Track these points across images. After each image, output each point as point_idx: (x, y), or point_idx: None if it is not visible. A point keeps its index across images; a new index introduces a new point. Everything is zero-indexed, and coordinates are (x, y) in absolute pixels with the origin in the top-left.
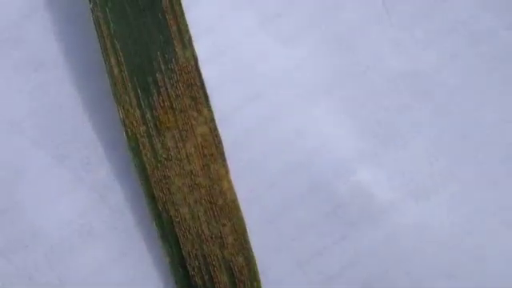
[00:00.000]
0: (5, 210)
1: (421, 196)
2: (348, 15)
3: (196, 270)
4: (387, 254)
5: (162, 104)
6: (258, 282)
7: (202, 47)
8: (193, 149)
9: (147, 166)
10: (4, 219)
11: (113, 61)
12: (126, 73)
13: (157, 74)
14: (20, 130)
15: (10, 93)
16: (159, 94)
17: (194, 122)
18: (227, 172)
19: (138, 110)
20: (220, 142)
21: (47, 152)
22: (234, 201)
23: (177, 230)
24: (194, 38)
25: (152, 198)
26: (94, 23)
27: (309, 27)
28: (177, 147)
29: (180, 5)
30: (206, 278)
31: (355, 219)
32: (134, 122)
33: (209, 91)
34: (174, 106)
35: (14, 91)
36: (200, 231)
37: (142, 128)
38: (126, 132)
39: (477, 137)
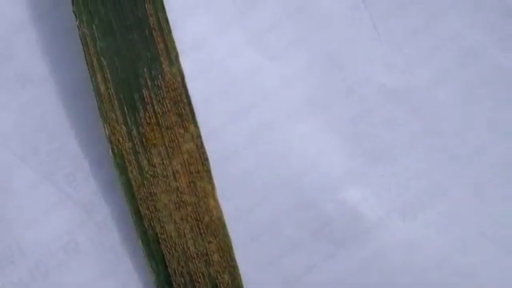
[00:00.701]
0: None
1: (409, 214)
2: (337, 32)
3: (182, 287)
4: (375, 272)
5: (148, 121)
6: None
7: (188, 64)
8: (179, 166)
9: (133, 183)
10: None
11: (99, 77)
12: (112, 90)
13: (143, 91)
14: (6, 146)
15: None
16: (146, 110)
17: (180, 139)
18: (213, 189)
19: (124, 127)
20: (206, 159)
21: (33, 168)
22: (220, 218)
23: (163, 247)
24: (180, 55)
25: (138, 215)
26: (81, 40)
27: (297, 44)
28: (163, 164)
29: (167, 22)
30: None
31: (343, 237)
32: (120, 139)
33: (195, 108)
34: (161, 122)
35: (1, 107)
36: (186, 248)
37: (128, 145)
38: (112, 149)
39: (466, 155)
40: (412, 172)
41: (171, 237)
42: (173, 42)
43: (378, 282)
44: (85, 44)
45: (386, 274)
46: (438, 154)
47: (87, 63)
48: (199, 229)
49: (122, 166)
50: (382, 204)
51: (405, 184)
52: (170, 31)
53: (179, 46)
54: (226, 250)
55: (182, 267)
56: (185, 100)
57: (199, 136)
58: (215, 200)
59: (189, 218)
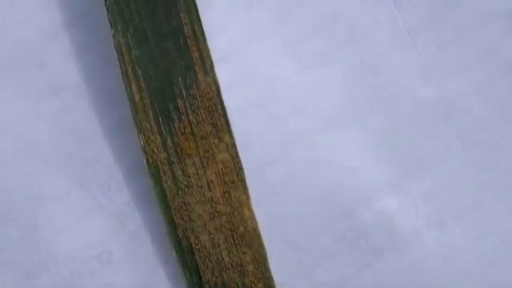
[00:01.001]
0: (27, 233)
1: (445, 225)
2: (373, 42)
3: None
4: (411, 282)
5: (183, 131)
6: None
7: (223, 73)
8: (214, 176)
9: (168, 192)
10: (27, 243)
11: (134, 87)
12: (147, 99)
13: (178, 100)
14: (40, 155)
15: (30, 117)
16: (180, 120)
17: (215, 149)
18: (248, 199)
19: (158, 137)
20: (241, 169)
21: (67, 177)
22: (255, 228)
23: (197, 257)
24: (215, 64)
25: (172, 225)
26: (116, 49)
27: (333, 54)
28: (197, 174)
29: (202, 31)
30: None
31: (379, 247)
32: (155, 149)
33: (230, 117)
34: (195, 132)
35: (34, 115)
36: (220, 259)
37: (163, 155)
38: (147, 159)
39: (503, 166)
40: (448, 183)
41: (205, 247)
42: (208, 50)
43: None
44: (120, 53)
45: (422, 285)
46: (474, 166)
47: (122, 72)
48: (234, 239)
49: (156, 176)
50: (418, 215)
51: (441, 195)
52: (204, 40)
53: (214, 55)
54: (261, 260)
55: (216, 277)
56: (220, 110)
57: (234, 146)
58: (250, 210)
59: (223, 229)
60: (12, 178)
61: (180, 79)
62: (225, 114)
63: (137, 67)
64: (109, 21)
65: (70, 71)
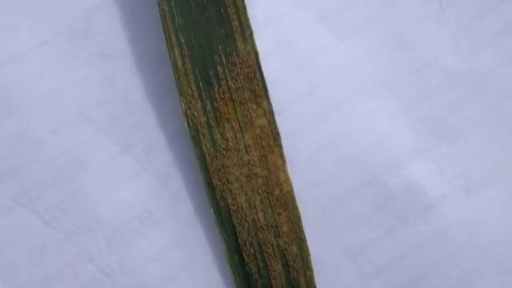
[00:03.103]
0: (70, 194)
1: (472, 191)
2: (405, 14)
3: (251, 257)
4: (437, 247)
5: (222, 96)
6: (311, 270)
7: (262, 41)
8: (251, 140)
9: (207, 155)
10: (70, 203)
11: (177, 53)
12: (189, 65)
13: (218, 67)
14: (87, 119)
15: (79, 82)
16: (220, 86)
17: (252, 114)
18: (284, 163)
19: (199, 102)
20: (278, 134)
21: (112, 140)
22: (290, 191)
23: (233, 218)
24: (255, 33)
25: (210, 187)
26: (160, 16)
27: (367, 24)
28: (236, 138)
29: (242, 0)
30: (261, 265)
31: (406, 212)
32: (196, 113)
33: (268, 84)
34: (234, 98)
35: (83, 81)
36: (256, 219)
37: (203, 119)
38: (188, 123)
39: None
40: (476, 150)
41: (242, 208)
42: (247, 19)
43: (440, 256)
44: (164, 20)
45: (449, 249)
46: (501, 134)
47: (166, 39)
48: (269, 201)
49: (196, 139)
50: (445, 181)
51: (468, 162)
52: (244, 9)
53: (253, 24)
54: (295, 221)
55: (252, 238)
56: (258, 77)
57: (271, 112)
58: (285, 174)
59: (259, 191)
60: (61, 142)
61: (220, 47)
62: (263, 81)
63: (180, 34)
64: None
65: (116, 38)
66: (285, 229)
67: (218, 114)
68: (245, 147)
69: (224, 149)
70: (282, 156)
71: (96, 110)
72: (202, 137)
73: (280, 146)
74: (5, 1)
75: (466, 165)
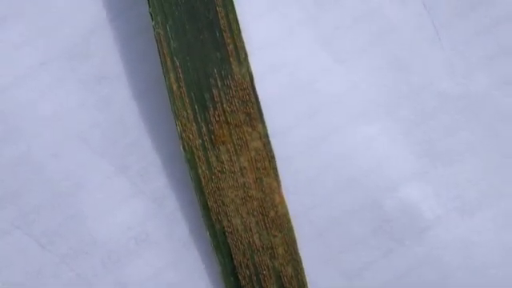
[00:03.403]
0: (67, 218)
1: (467, 213)
2: (401, 38)
3: (247, 279)
4: (433, 268)
5: (217, 119)
6: None
7: (257, 64)
8: (246, 162)
9: (202, 178)
10: (66, 227)
11: (172, 77)
12: (184, 88)
13: (213, 90)
14: (83, 142)
15: (74, 105)
16: (215, 109)
17: (248, 137)
18: (279, 185)
19: (194, 125)
20: (273, 157)
21: (108, 162)
22: (286, 213)
23: (229, 239)
24: (250, 56)
25: (206, 209)
26: (156, 40)
27: (363, 48)
28: (231, 160)
29: (237, 23)
30: (257, 287)
31: (402, 234)
32: (191, 136)
33: (263, 107)
34: (229, 120)
35: (78, 103)
36: (251, 242)
37: (198, 141)
38: (183, 145)
39: None
40: (471, 173)
41: (237, 230)
42: (242, 43)
43: (435, 278)
44: (159, 44)
45: (444, 271)
46: (496, 156)
47: (161, 63)
48: (265, 223)
49: (192, 162)
50: (440, 202)
51: (464, 184)
52: (239, 32)
53: (248, 47)
54: (291, 244)
55: (248, 259)
56: (253, 100)
57: (266, 134)
58: (280, 196)
59: (255, 213)
60: (61, 166)
61: (215, 70)
62: (258, 104)
63: (175, 58)
64: (149, 13)
65: (112, 62)
66: (280, 251)
67: (213, 136)
68: (240, 170)
69: (219, 171)
70: (277, 178)
71: (91, 131)
72: (197, 159)
73: (275, 169)
74: (5, 26)
75: (461, 187)
